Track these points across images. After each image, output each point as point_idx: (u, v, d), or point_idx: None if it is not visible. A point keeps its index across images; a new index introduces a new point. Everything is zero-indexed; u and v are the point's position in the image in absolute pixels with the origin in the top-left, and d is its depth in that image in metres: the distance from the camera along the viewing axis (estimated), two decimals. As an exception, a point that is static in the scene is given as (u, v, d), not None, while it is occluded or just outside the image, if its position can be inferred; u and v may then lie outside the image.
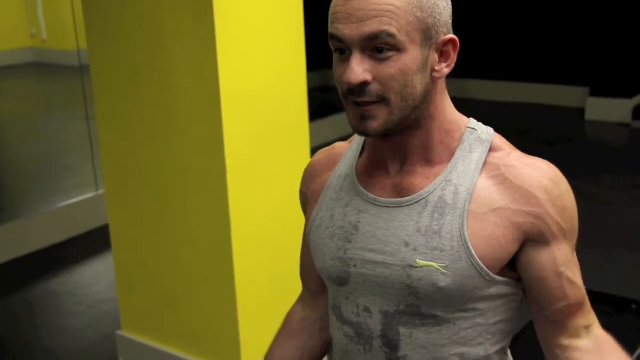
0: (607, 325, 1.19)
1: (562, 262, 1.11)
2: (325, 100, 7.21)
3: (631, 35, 6.57)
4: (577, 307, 1.14)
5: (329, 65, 1.08)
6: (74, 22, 4.96)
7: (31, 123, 6.93)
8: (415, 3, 1.05)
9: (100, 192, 4.65)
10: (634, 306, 3.12)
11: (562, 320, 1.15)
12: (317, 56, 4.15)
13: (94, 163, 4.91)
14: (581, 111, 7.00)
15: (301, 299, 1.41)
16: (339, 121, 6.49)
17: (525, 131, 6.35)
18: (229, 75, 2.41)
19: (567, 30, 7.08)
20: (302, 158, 2.74)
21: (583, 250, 1.16)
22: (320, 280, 1.32)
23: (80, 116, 5.13)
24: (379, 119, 1.08)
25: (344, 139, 1.30)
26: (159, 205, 2.72)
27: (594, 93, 6.86)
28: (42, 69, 8.34)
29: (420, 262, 1.09)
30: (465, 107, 1.47)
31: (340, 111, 6.65)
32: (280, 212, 2.64)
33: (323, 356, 1.40)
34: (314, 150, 2.73)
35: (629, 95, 6.69)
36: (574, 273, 1.13)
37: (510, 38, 7.45)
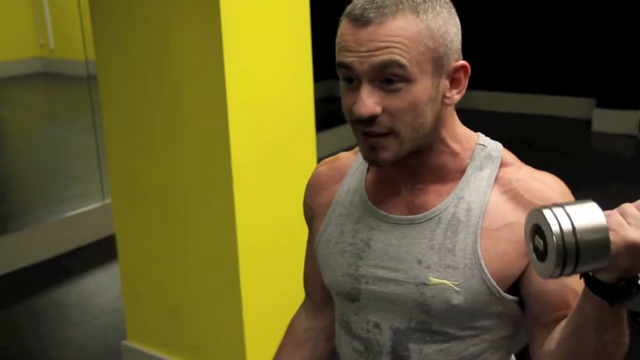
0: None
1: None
2: (332, 111, 7.21)
3: (638, 46, 6.56)
4: None
5: (335, 75, 1.07)
6: (82, 32, 4.98)
7: (39, 132, 6.94)
8: (426, 33, 1.03)
9: (107, 202, 4.65)
10: (641, 319, 3.10)
11: (558, 321, 1.11)
12: (323, 67, 4.16)
13: (100, 173, 4.91)
14: (588, 123, 6.98)
15: (304, 308, 1.40)
16: (346, 132, 6.48)
17: (532, 143, 6.33)
18: (236, 86, 2.41)
19: (574, 42, 7.08)
20: (309, 169, 2.71)
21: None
22: (325, 292, 1.32)
23: (87, 126, 5.14)
24: (390, 150, 1.06)
25: (351, 149, 1.29)
26: (166, 216, 2.73)
27: (601, 104, 6.85)
28: (50, 79, 8.36)
29: (434, 280, 1.09)
30: (471, 118, 1.47)
31: (347, 122, 6.66)
32: (286, 223, 2.64)
33: None
34: (320, 161, 2.73)
35: (636, 106, 6.67)
36: (581, 286, 1.10)
37: (517, 49, 7.45)
